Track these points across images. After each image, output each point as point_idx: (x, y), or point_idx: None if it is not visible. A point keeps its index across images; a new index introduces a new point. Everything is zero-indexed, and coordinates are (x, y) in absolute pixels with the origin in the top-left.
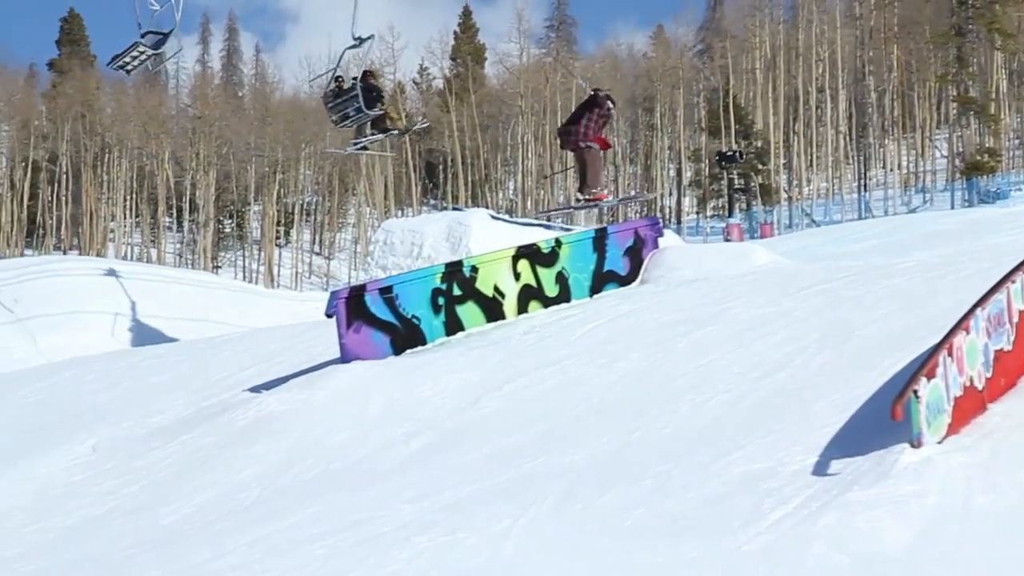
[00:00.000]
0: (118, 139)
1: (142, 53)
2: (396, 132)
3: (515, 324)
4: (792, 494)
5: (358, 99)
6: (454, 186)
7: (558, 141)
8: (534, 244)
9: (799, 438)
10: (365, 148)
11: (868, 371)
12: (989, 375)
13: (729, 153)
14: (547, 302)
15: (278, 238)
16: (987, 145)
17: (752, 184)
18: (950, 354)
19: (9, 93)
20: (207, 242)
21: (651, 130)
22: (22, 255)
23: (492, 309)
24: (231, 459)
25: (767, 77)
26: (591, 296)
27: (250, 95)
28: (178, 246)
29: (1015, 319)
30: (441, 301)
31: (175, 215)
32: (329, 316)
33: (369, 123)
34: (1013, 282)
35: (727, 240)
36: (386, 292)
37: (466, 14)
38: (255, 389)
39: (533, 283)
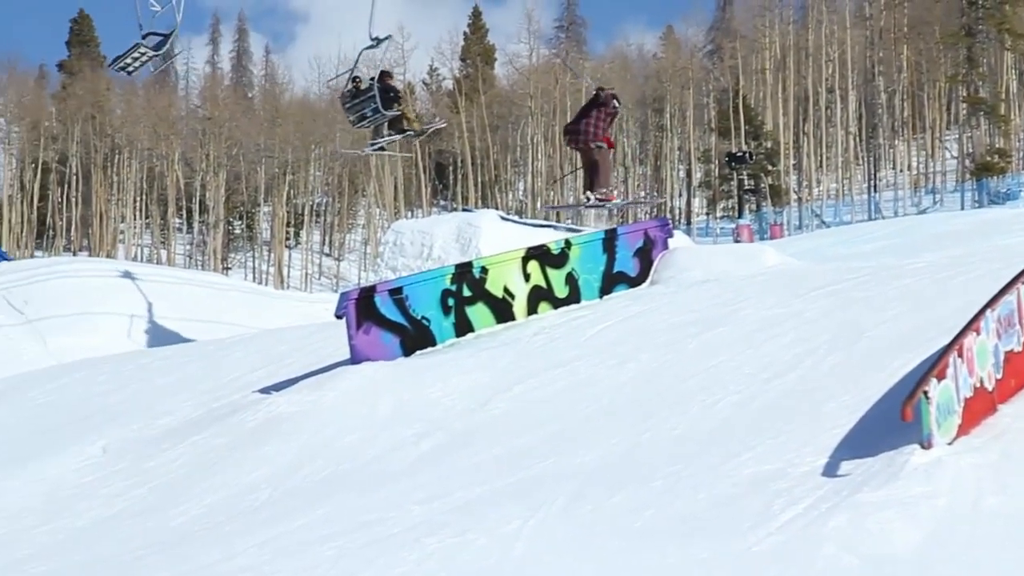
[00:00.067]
0: (128, 140)
1: (143, 54)
2: (412, 133)
3: (525, 325)
4: (802, 495)
5: (375, 100)
6: (464, 187)
7: (565, 139)
8: (544, 245)
9: (809, 439)
10: (382, 149)
11: (878, 372)
12: (999, 376)
13: (739, 154)
14: (557, 303)
15: (288, 239)
16: (997, 146)
17: (762, 185)
18: (960, 355)
19: (19, 94)
20: (217, 243)
21: (661, 131)
22: (32, 256)
23: (502, 310)
24: (241, 460)
25: (777, 78)
26: (601, 297)
27: (260, 96)
28: (188, 247)
29: None
30: (451, 302)
31: (185, 216)
32: (339, 317)
33: (386, 124)
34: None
35: (737, 241)
36: (396, 293)
37: (476, 15)
38: (265, 390)
39: (543, 284)
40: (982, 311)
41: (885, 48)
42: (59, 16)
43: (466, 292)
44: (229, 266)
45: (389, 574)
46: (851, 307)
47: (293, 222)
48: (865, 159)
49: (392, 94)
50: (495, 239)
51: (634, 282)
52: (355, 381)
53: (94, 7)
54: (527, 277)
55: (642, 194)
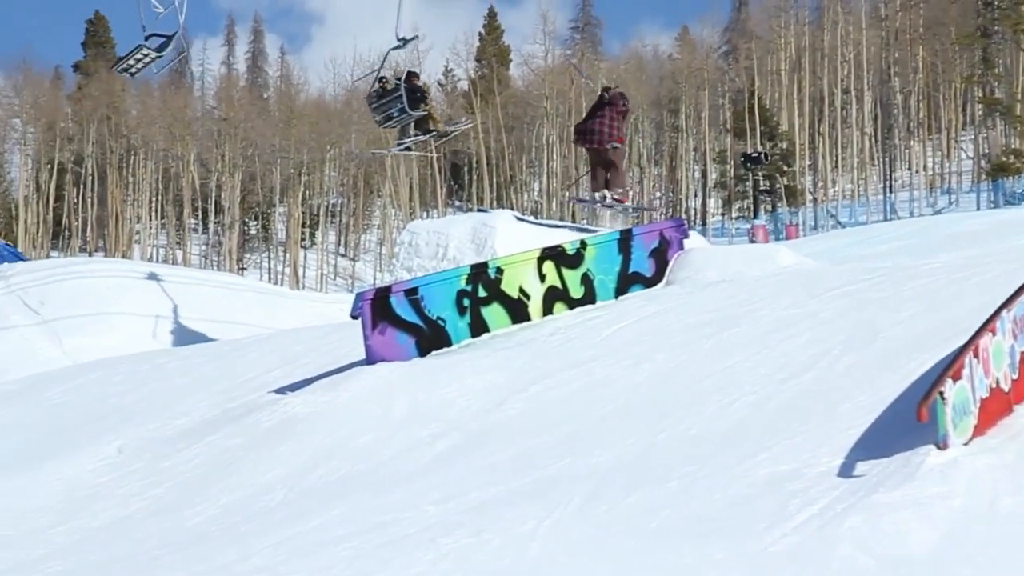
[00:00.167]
0: (144, 141)
1: (146, 55)
2: (435, 133)
3: (540, 325)
4: (818, 496)
5: (402, 100)
6: (479, 188)
7: (576, 139)
8: (559, 246)
9: (825, 440)
10: (409, 149)
11: (894, 373)
12: (1015, 376)
13: (754, 154)
14: (572, 303)
15: (303, 240)
16: (1013, 146)
17: (777, 185)
18: (976, 356)
19: (35, 95)
20: (232, 244)
21: (676, 131)
22: (48, 257)
23: (517, 310)
24: (256, 461)
25: (792, 78)
26: (616, 297)
27: (275, 97)
28: (203, 248)
29: None
30: (466, 302)
31: (200, 217)
32: (354, 318)
33: (413, 124)
34: None
35: (752, 241)
36: (411, 293)
37: (491, 16)
38: (280, 391)
39: (558, 284)
40: (998, 311)
41: (901, 49)
42: (75, 17)
43: (481, 292)
44: (244, 267)
45: (404, 574)
46: (867, 307)
47: (308, 222)
48: (880, 160)
49: (419, 94)
50: (510, 240)
51: (649, 282)
52: (370, 381)
53: (110, 8)
54: (542, 277)
55: (640, 202)
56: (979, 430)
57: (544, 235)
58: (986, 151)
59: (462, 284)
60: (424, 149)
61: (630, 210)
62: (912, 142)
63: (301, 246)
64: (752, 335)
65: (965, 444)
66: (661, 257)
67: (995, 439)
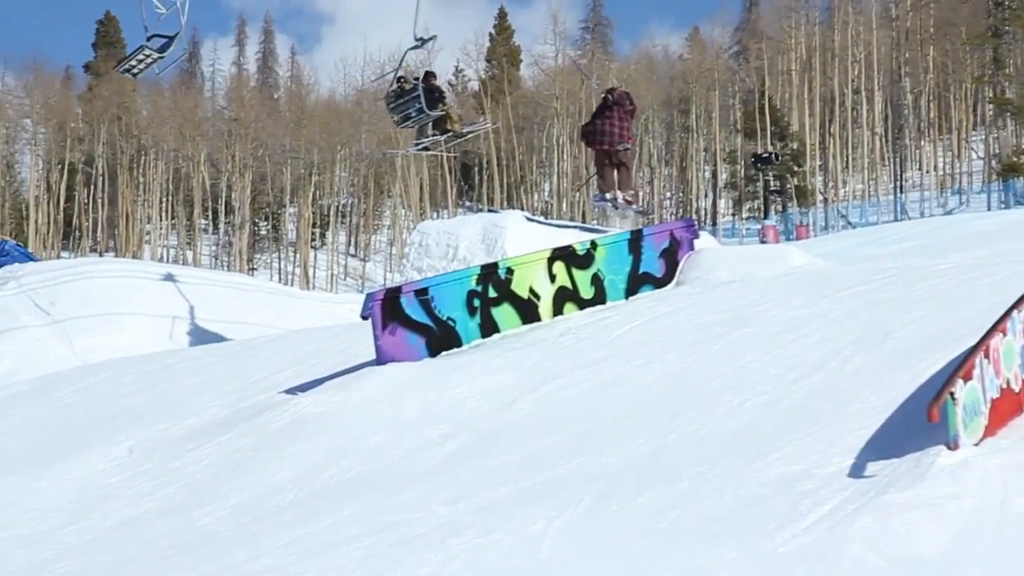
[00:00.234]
0: (154, 141)
1: (148, 56)
2: (451, 133)
3: (551, 326)
4: (828, 496)
5: (420, 100)
6: (489, 188)
7: (585, 140)
8: (570, 246)
9: (835, 440)
10: (427, 149)
11: (904, 373)
12: None
13: (765, 155)
14: (583, 304)
15: (314, 240)
16: (1023, 147)
17: (788, 186)
18: (987, 356)
19: (45, 96)
20: (243, 244)
21: (686, 132)
22: (58, 257)
23: (527, 311)
24: (267, 461)
25: (803, 78)
26: (627, 298)
27: (286, 97)
28: (214, 248)
29: None
30: (476, 303)
31: (211, 217)
32: (365, 318)
33: (431, 124)
34: None
35: (763, 242)
36: (422, 294)
37: (501, 16)
38: (291, 391)
39: (568, 285)
40: (1009, 312)
41: (911, 49)
42: (85, 17)
43: (492, 293)
44: (255, 267)
45: (415, 574)
46: (877, 308)
47: (319, 223)
48: (891, 160)
49: (437, 94)
50: (521, 240)
51: (660, 283)
52: (381, 382)
53: (120, 8)
54: (553, 278)
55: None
56: (990, 430)
57: (554, 235)
58: (997, 151)
59: (472, 284)
60: (441, 149)
61: (633, 212)
62: (923, 142)
63: (311, 246)
64: (763, 335)
65: (976, 444)
66: (671, 257)
67: (1006, 439)
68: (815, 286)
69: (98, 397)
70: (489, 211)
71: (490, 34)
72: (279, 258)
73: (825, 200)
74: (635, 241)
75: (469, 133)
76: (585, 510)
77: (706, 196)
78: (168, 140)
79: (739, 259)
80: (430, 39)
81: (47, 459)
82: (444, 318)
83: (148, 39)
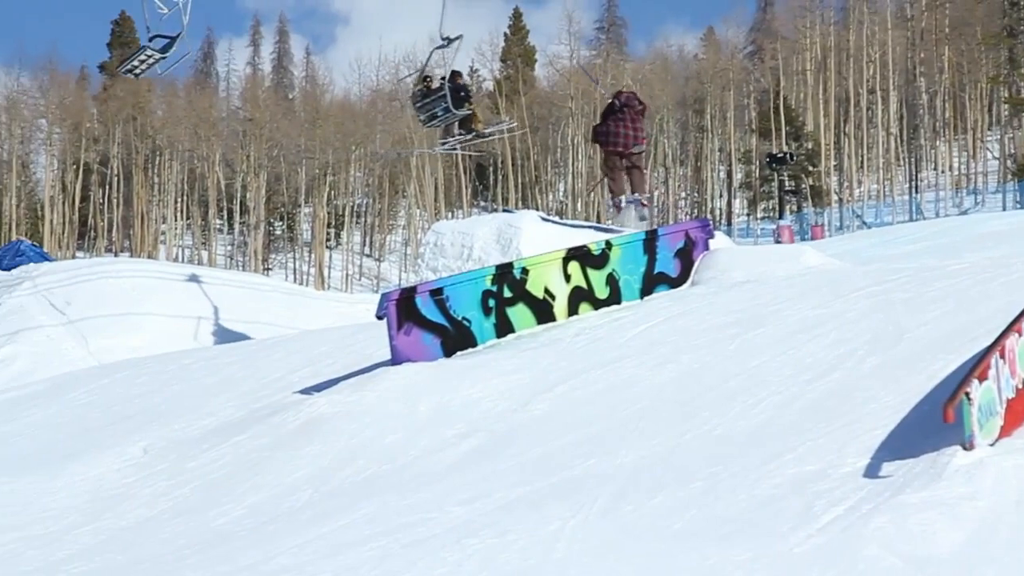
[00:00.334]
0: (169, 141)
1: (150, 57)
2: (475, 133)
3: (566, 326)
4: (843, 496)
5: (446, 99)
6: (504, 188)
7: (597, 141)
8: (584, 246)
9: (850, 440)
10: (454, 148)
11: (919, 373)
12: None
13: (780, 155)
14: (597, 304)
15: (328, 240)
16: None
17: (803, 186)
18: (1002, 356)
19: (61, 96)
20: (258, 244)
21: (701, 132)
22: (73, 257)
23: (542, 311)
24: (282, 461)
25: (818, 78)
26: (642, 298)
27: (300, 97)
28: (229, 248)
29: None
30: (491, 303)
31: (226, 217)
32: (380, 318)
33: (457, 123)
34: None
35: (778, 242)
36: (437, 294)
37: (516, 16)
38: (306, 391)
39: (583, 285)
40: None
41: (926, 49)
42: (100, 17)
43: (507, 293)
44: (270, 267)
45: (430, 574)
46: (892, 308)
47: (334, 223)
48: (906, 160)
49: (463, 93)
50: (535, 240)
51: (675, 283)
52: (396, 382)
53: (135, 8)
54: (568, 278)
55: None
56: (1005, 431)
57: (569, 235)
58: (1012, 151)
59: (487, 284)
60: (467, 149)
61: (642, 213)
62: (938, 142)
63: (326, 246)
64: (777, 335)
65: (991, 445)
66: (686, 257)
67: (1021, 439)
68: (830, 286)
69: (113, 397)
70: (504, 211)
71: (505, 34)
72: (294, 258)
73: (840, 200)
74: (650, 241)
75: (489, 135)
76: (600, 510)
77: (721, 196)
78: (183, 140)
79: (754, 259)
80: (456, 38)
81: (62, 459)
82: (459, 318)
83: (150, 39)
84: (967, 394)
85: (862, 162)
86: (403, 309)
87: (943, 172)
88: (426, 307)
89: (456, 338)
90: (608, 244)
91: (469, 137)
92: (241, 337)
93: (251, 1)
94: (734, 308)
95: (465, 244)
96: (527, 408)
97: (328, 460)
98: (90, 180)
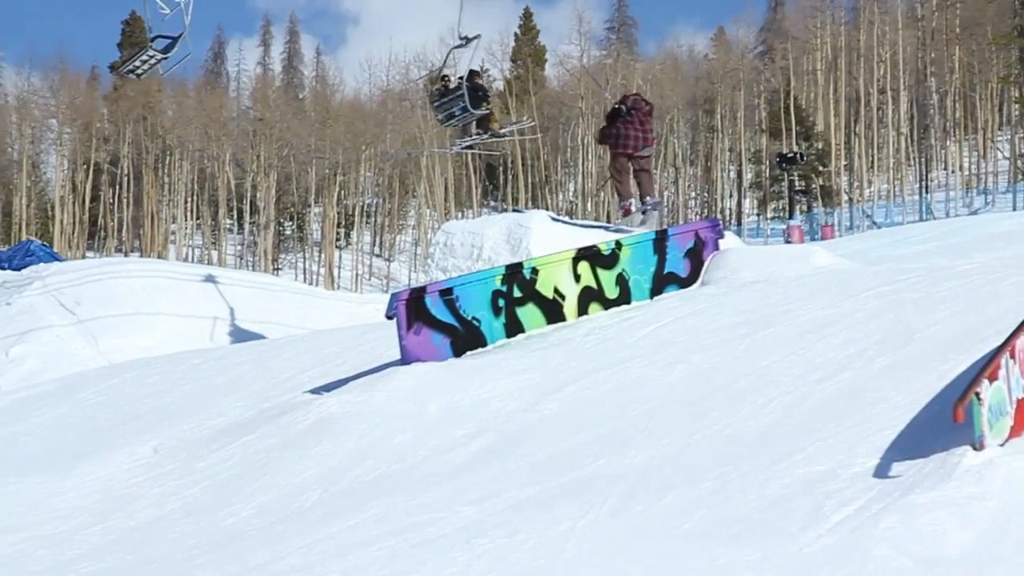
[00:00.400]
0: (179, 141)
1: (151, 57)
2: (491, 132)
3: (575, 326)
4: (853, 496)
5: (464, 98)
6: (514, 188)
7: (605, 143)
8: (594, 246)
9: (860, 440)
10: (471, 147)
11: (929, 373)
12: None
13: (790, 155)
14: (607, 304)
15: (338, 240)
16: None
17: (813, 186)
18: (1012, 356)
19: (71, 96)
20: (268, 244)
21: (711, 132)
22: (84, 257)
23: (552, 311)
24: (292, 461)
25: (828, 78)
26: (651, 298)
27: (311, 97)
28: (239, 248)
29: None
30: (501, 303)
31: (236, 217)
32: (389, 318)
33: (475, 122)
34: None
35: (788, 242)
36: (446, 294)
37: (526, 16)
38: (315, 391)
39: (593, 285)
40: None
41: (937, 49)
42: (111, 17)
43: (516, 293)
44: (279, 267)
45: (440, 574)
46: (902, 308)
47: (343, 223)
48: (916, 160)
49: (480, 93)
50: (545, 240)
51: (685, 283)
52: (405, 382)
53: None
54: (577, 278)
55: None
56: (1015, 431)
57: (579, 235)
58: (1022, 151)
59: (497, 284)
60: (484, 148)
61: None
62: (948, 142)
63: (336, 246)
64: (787, 335)
65: (1001, 445)
66: (696, 257)
67: None
68: (840, 286)
69: (123, 397)
70: (514, 211)
71: (515, 34)
72: (304, 258)
73: (850, 200)
74: (660, 241)
75: (509, 133)
76: (610, 510)
77: (731, 196)
78: (193, 140)
79: (764, 259)
80: (474, 38)
81: (72, 459)
82: (469, 318)
83: (152, 40)
84: (977, 394)
85: (872, 162)
86: (413, 309)
87: (953, 172)
88: (436, 307)
89: (466, 338)
90: (618, 244)
91: (486, 136)
92: (251, 337)
93: (262, 1)
94: (744, 308)
95: (475, 244)
96: (537, 408)
97: (337, 460)
98: (100, 180)
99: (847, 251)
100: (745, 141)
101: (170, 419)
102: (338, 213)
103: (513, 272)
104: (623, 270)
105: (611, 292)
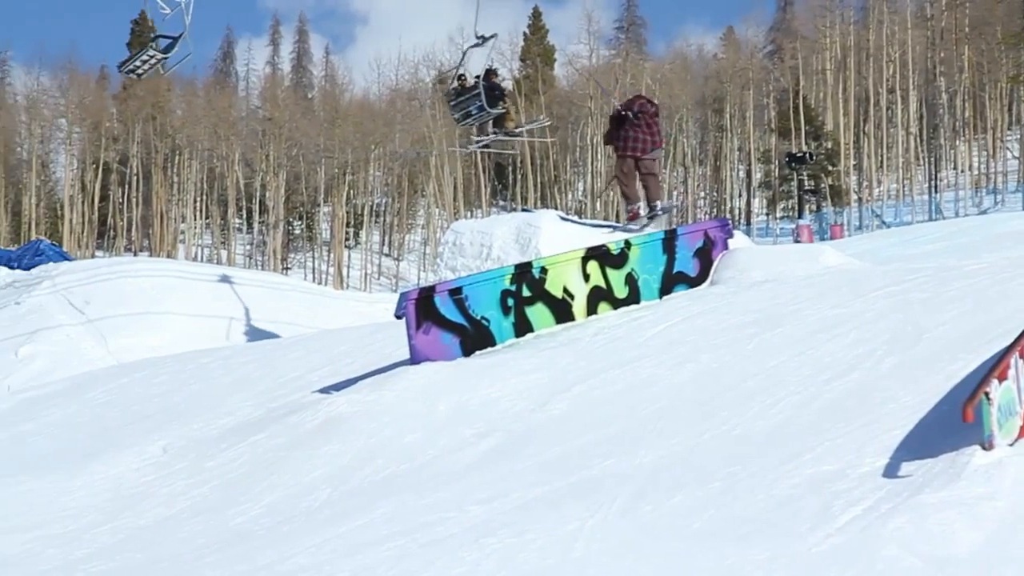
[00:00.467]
0: (188, 141)
1: (152, 57)
2: (506, 130)
3: (584, 325)
4: (862, 496)
5: (480, 97)
6: (523, 187)
7: (613, 145)
8: (604, 245)
9: (869, 440)
10: (487, 146)
11: (938, 373)
12: None
13: (799, 154)
14: (616, 303)
15: (347, 240)
16: None
17: (822, 185)
18: (1022, 356)
19: (80, 95)
20: (277, 243)
21: (720, 131)
22: (93, 256)
23: (561, 310)
24: (301, 460)
25: (837, 78)
26: (661, 297)
27: (320, 97)
28: (248, 247)
29: None
30: (510, 302)
31: (245, 216)
32: (399, 317)
33: (491, 121)
34: None
35: (797, 241)
36: (455, 293)
37: (536, 15)
38: (324, 390)
39: (603, 284)
40: None
41: (946, 48)
42: (120, 17)
43: (526, 292)
44: (289, 266)
45: (449, 574)
46: (911, 308)
47: (352, 222)
48: (926, 159)
49: (497, 92)
50: (555, 239)
51: (694, 282)
52: (414, 381)
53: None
54: (587, 277)
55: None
56: None
57: (588, 235)
58: None
59: (506, 284)
60: (504, 146)
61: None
62: (957, 142)
63: (345, 246)
64: (796, 335)
65: (1010, 445)
66: (705, 257)
67: None
68: (849, 286)
69: (132, 396)
70: (523, 210)
71: (524, 33)
72: (313, 257)
73: (859, 200)
74: (669, 241)
75: (518, 134)
76: (619, 510)
77: (740, 195)
78: (202, 139)
79: (773, 259)
80: (491, 37)
81: (81, 458)
82: (478, 317)
83: (152, 39)
84: (986, 394)
85: (881, 161)
86: (422, 308)
87: (963, 172)
88: (445, 306)
89: (475, 337)
90: (627, 243)
91: (502, 134)
92: (261, 336)
93: (271, 1)
94: (753, 308)
95: (484, 243)
96: (546, 408)
97: (346, 459)
98: (109, 179)
99: (856, 251)
100: (754, 140)
101: (179, 418)
102: (347, 212)
103: (522, 271)
104: (632, 269)
105: (620, 292)
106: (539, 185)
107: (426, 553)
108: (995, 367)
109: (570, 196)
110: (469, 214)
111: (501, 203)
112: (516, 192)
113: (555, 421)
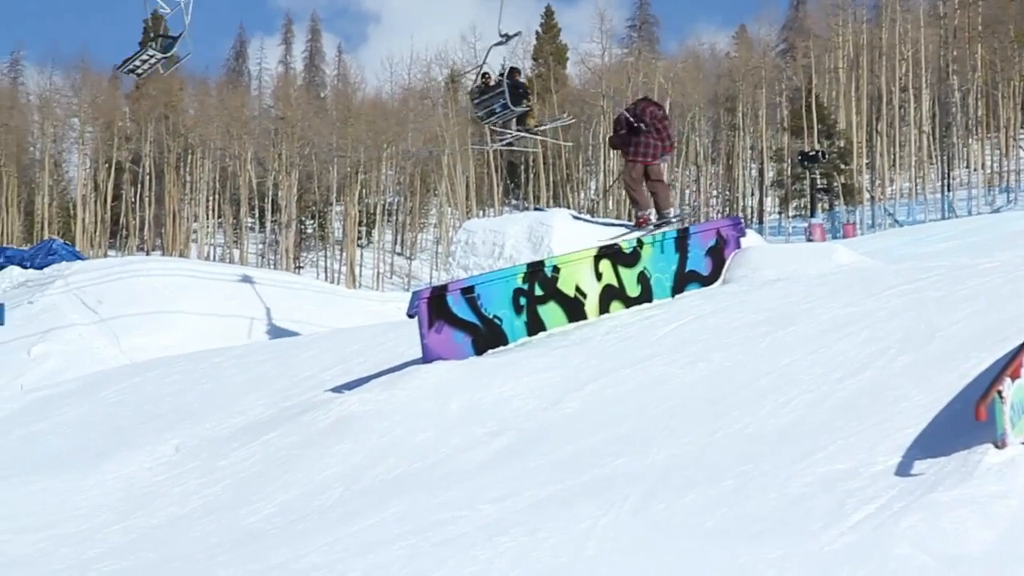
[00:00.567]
0: (201, 140)
1: (152, 56)
2: (527, 128)
3: (597, 324)
4: (875, 495)
5: (504, 95)
6: (535, 186)
7: (621, 149)
8: (616, 244)
9: (881, 439)
10: (511, 144)
11: (951, 372)
12: None
13: (812, 153)
14: (629, 302)
15: (360, 238)
16: None
17: (835, 184)
18: None
19: (93, 95)
20: (289, 243)
21: (733, 130)
22: (105, 256)
23: (574, 309)
24: (313, 459)
25: (850, 76)
26: (673, 296)
27: (332, 96)
28: (260, 247)
29: None
30: (523, 301)
31: (257, 216)
32: (411, 316)
33: (515, 119)
34: None
35: (809, 240)
36: (468, 292)
37: (548, 14)
38: (337, 389)
39: (615, 283)
40: None
41: (959, 47)
42: (132, 17)
43: (538, 291)
44: (301, 265)
45: (461, 573)
46: (924, 306)
47: (365, 221)
48: (938, 158)
49: (521, 90)
50: (567, 238)
51: (706, 281)
52: (427, 380)
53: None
54: (599, 276)
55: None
56: None
57: (601, 234)
58: None
59: (518, 283)
60: (527, 144)
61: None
62: (970, 140)
63: (358, 245)
64: (809, 334)
65: (1023, 443)
66: (718, 255)
67: None
68: (862, 284)
69: (145, 396)
70: (535, 209)
71: (537, 32)
72: (325, 256)
73: (872, 198)
74: (682, 239)
75: (538, 133)
76: (631, 509)
77: (752, 194)
78: (215, 139)
79: (785, 257)
80: (515, 35)
81: (94, 457)
82: (490, 316)
83: (153, 39)
84: (999, 392)
85: (894, 160)
86: (434, 307)
87: (975, 170)
88: (457, 305)
89: (487, 336)
90: (639, 242)
91: (525, 132)
92: (273, 335)
93: (283, 0)
94: (765, 306)
95: (496, 242)
96: (558, 406)
97: (359, 458)
98: (122, 179)
99: (869, 249)
100: (767, 139)
101: (191, 417)
102: (359, 211)
103: (534, 270)
104: (644, 268)
105: (632, 290)
106: (551, 184)
107: (438, 552)
108: (1008, 365)
109: (582, 195)
110: (481, 213)
111: (513, 202)
112: (528, 191)
113: (567, 420)
